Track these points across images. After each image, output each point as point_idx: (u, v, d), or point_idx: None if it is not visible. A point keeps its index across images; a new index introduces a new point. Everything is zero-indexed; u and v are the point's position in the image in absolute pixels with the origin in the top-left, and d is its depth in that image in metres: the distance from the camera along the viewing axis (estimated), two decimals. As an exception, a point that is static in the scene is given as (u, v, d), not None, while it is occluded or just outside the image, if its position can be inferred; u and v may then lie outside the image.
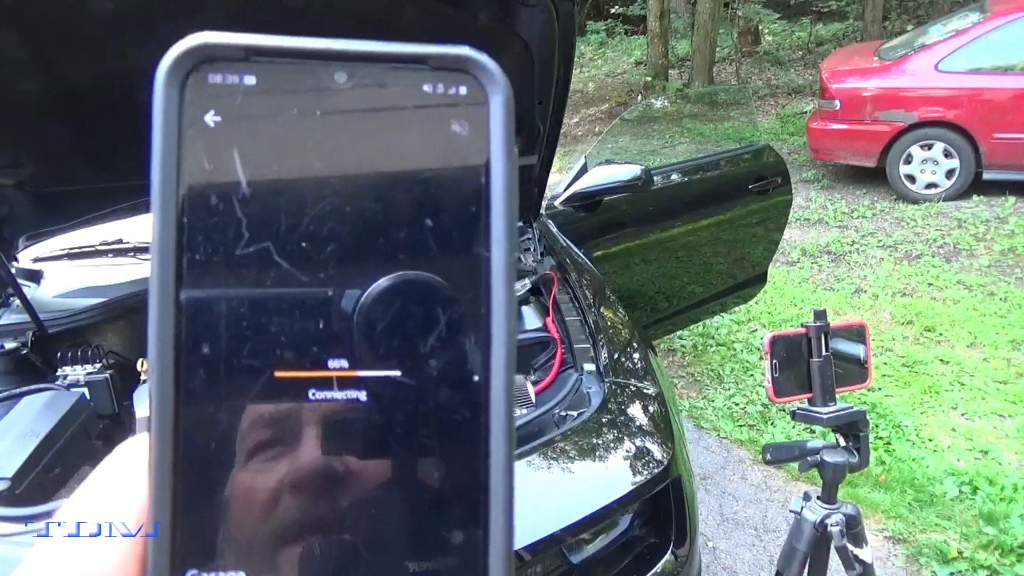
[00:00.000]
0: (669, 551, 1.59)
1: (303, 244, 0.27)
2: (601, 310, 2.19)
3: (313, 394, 0.27)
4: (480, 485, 0.27)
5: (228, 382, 0.26)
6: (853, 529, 1.55)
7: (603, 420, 1.66)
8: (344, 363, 0.27)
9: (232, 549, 0.26)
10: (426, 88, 0.28)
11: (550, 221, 2.78)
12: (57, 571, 0.26)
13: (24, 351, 2.09)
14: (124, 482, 0.28)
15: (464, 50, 0.28)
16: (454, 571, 0.27)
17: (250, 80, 0.27)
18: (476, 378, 0.28)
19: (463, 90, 0.28)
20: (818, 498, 1.58)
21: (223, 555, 0.26)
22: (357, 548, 0.27)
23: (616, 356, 1.93)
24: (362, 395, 0.27)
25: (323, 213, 0.27)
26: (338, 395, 0.27)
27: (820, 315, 1.54)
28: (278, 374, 0.27)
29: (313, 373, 0.27)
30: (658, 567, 1.55)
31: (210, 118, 0.26)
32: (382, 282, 0.27)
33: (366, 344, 0.27)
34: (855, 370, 1.58)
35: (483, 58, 0.28)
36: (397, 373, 0.27)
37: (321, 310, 0.27)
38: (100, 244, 2.63)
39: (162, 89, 0.26)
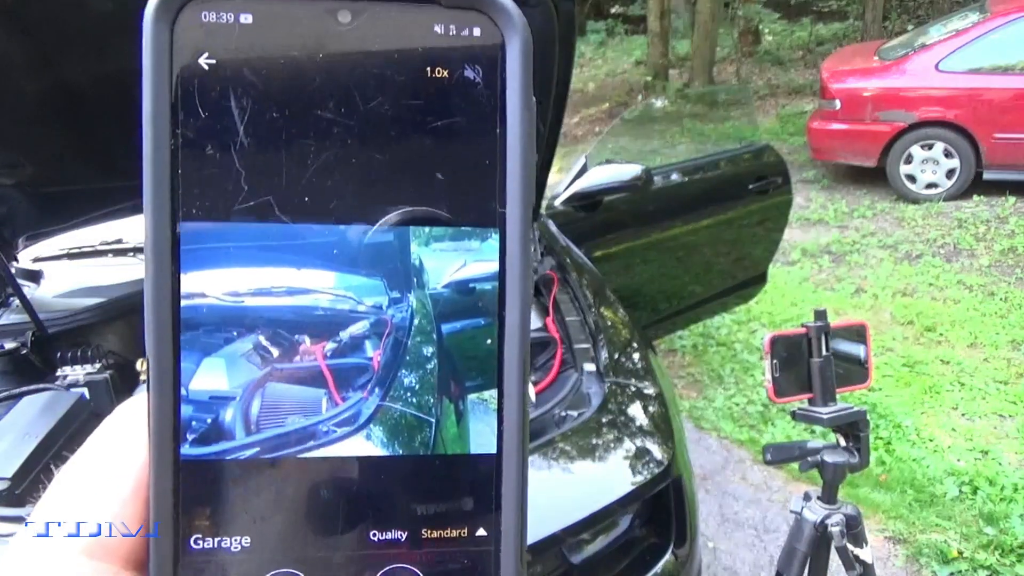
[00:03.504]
0: (669, 551, 1.58)
1: (305, 198, 0.25)
2: (601, 310, 2.18)
3: (321, 358, 0.26)
4: (493, 452, 0.26)
5: (228, 344, 0.26)
6: (853, 529, 1.55)
7: (603, 420, 1.66)
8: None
9: (237, 515, 0.25)
10: (437, 29, 0.26)
11: (550, 221, 2.78)
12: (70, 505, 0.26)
13: (24, 351, 2.09)
14: (116, 453, 0.27)
15: None
16: (464, 537, 0.26)
17: (246, 18, 0.24)
18: (488, 341, 0.26)
19: (477, 31, 0.26)
20: (818, 498, 1.57)
21: (227, 522, 0.25)
22: (365, 513, 0.26)
23: (616, 356, 1.93)
24: (369, 355, 0.26)
25: (325, 163, 0.25)
26: (348, 362, 0.26)
27: (820, 315, 1.54)
28: (280, 330, 0.26)
29: (318, 341, 0.26)
30: (658, 567, 1.55)
31: (204, 60, 0.24)
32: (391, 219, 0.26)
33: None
34: (855, 370, 1.57)
35: None
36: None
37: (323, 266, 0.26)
38: (100, 244, 2.63)
39: (151, 28, 0.24)
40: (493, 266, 0.26)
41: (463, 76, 0.26)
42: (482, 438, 0.26)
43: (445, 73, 0.26)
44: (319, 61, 0.25)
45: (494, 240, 0.26)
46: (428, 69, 0.25)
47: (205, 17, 0.24)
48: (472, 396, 0.27)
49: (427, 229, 0.26)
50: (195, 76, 0.24)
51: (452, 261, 0.26)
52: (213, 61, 0.24)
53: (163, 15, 0.24)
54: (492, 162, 0.26)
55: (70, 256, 2.60)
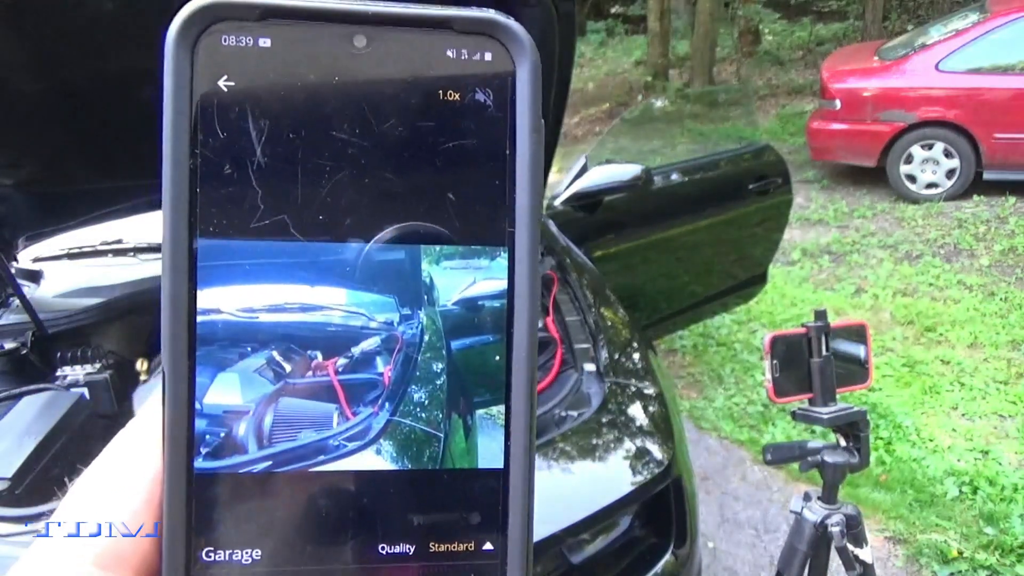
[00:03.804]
0: (669, 551, 1.58)
1: (319, 216, 0.26)
2: (601, 310, 2.19)
3: (333, 373, 0.26)
4: (500, 467, 0.27)
5: (242, 360, 0.26)
6: (853, 529, 1.55)
7: (603, 420, 1.66)
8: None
9: (248, 528, 0.26)
10: (449, 53, 0.26)
11: (550, 221, 2.78)
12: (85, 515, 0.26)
13: (24, 351, 2.09)
14: (130, 465, 0.27)
15: (490, 13, 0.27)
16: (471, 551, 0.27)
17: (265, 42, 0.25)
18: (497, 358, 0.27)
19: (488, 56, 0.26)
20: (818, 498, 1.57)
21: (239, 534, 0.26)
22: (374, 526, 0.26)
23: (616, 356, 1.93)
24: (379, 371, 0.27)
25: (339, 183, 0.26)
26: (360, 377, 0.27)
27: (820, 315, 1.54)
28: (293, 346, 0.26)
29: (331, 357, 0.26)
30: (658, 567, 1.55)
31: (223, 82, 0.25)
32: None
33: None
34: (855, 370, 1.57)
35: (510, 23, 0.27)
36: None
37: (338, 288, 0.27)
38: (100, 244, 2.62)
39: (172, 51, 0.25)
40: (502, 284, 0.27)
41: (474, 99, 0.26)
42: (490, 453, 0.27)
43: (457, 96, 0.26)
44: (335, 84, 0.26)
45: (503, 259, 0.27)
46: (440, 92, 0.26)
47: (225, 41, 0.25)
48: (480, 412, 0.27)
49: (438, 248, 0.27)
50: (214, 98, 0.25)
51: (462, 279, 0.27)
52: (232, 83, 0.25)
53: (184, 39, 0.25)
54: (501, 182, 0.26)
55: (70, 256, 2.60)
